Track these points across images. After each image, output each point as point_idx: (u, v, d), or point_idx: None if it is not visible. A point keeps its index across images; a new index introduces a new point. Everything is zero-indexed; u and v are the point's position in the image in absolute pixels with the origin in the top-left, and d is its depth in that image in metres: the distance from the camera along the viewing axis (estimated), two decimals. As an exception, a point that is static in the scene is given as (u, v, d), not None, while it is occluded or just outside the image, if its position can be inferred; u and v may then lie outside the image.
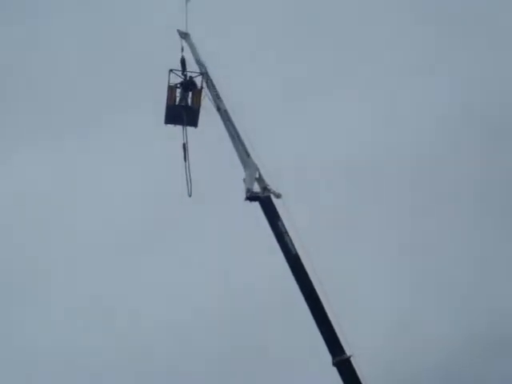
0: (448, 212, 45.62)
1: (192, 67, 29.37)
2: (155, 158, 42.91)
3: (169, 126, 29.08)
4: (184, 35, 30.36)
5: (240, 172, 26.60)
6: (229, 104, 27.76)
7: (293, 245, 25.18)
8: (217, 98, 28.14)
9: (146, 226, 46.67)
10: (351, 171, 46.63)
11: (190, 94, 28.73)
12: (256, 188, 26.25)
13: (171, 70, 28.97)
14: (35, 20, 56.25)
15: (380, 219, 45.64)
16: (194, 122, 28.87)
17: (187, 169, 28.40)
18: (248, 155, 26.85)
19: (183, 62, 29.45)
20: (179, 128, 28.79)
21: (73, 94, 53.78)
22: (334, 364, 23.90)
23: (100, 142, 50.53)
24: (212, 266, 43.15)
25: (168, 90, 28.77)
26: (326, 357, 23.83)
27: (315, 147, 47.64)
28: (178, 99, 28.74)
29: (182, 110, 28.59)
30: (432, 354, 38.95)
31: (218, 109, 27.94)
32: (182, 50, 29.90)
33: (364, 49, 53.40)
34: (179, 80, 28.97)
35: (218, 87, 28.36)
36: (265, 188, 26.20)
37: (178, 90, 28.82)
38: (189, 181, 28.17)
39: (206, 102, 28.46)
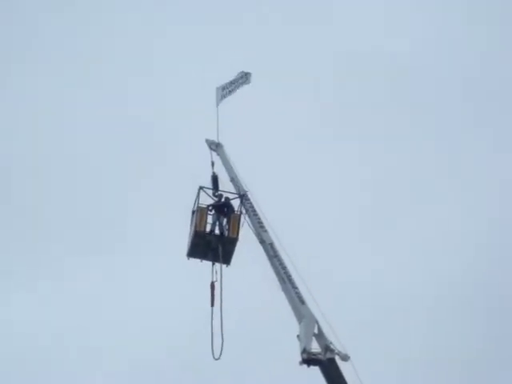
0: None
1: (225, 186, 23.82)
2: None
3: (193, 260, 23.09)
4: (215, 146, 24.97)
5: (293, 326, 20.67)
6: (275, 236, 22.01)
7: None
8: (259, 227, 22.36)
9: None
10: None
11: (226, 220, 22.86)
12: (315, 348, 20.25)
13: (201, 188, 23.19)
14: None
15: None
16: (226, 258, 22.68)
17: (213, 319, 21.85)
18: (303, 302, 20.81)
19: (215, 179, 23.88)
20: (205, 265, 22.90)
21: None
22: None
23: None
24: None
25: (196, 213, 22.82)
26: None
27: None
28: (208, 226, 22.87)
29: (214, 239, 22.62)
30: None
31: (262, 241, 21.91)
32: (213, 164, 24.45)
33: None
34: (210, 201, 23.23)
35: (260, 213, 22.72)
36: (327, 347, 19.89)
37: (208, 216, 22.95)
38: (213, 337, 21.54)
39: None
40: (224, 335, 21.40)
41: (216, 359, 21.37)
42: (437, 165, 49.64)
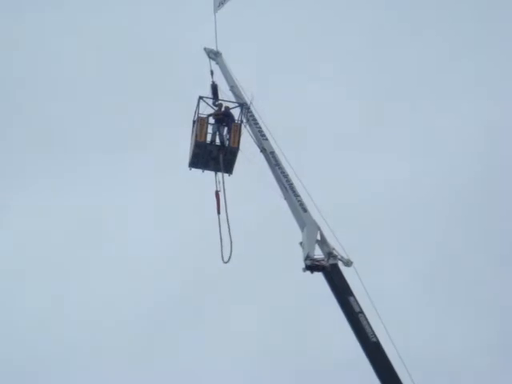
0: None
1: (225, 95, 23.55)
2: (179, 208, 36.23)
3: (195, 170, 23.12)
4: (214, 55, 24.51)
5: (296, 232, 20.89)
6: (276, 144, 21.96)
7: (371, 328, 19.43)
8: (260, 135, 22.27)
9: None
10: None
11: (226, 129, 22.73)
12: (318, 254, 20.52)
13: (201, 98, 22.86)
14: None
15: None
16: (228, 167, 22.68)
17: (221, 226, 22.15)
18: (305, 210, 20.95)
19: (215, 88, 23.45)
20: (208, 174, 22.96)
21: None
22: None
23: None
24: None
25: (196, 123, 22.58)
26: None
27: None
28: (209, 136, 22.79)
29: (215, 149, 22.47)
30: None
31: (263, 150, 21.98)
32: (212, 73, 24.02)
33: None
34: (211, 111, 23.04)
35: (261, 122, 22.58)
36: (330, 253, 20.16)
37: (209, 126, 22.77)
38: (222, 241, 21.90)
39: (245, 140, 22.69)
40: (239, 240, 21.75)
41: (225, 262, 21.70)
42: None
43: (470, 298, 39.00)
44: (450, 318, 38.13)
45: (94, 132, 47.65)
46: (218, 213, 22.37)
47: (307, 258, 20.06)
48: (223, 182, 22.46)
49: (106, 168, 45.74)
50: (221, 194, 22.55)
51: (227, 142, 22.44)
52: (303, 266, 20.01)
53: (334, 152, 41.26)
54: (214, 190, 22.59)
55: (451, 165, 44.10)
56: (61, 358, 37.78)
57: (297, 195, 21.14)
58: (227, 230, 21.86)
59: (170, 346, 37.81)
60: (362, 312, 19.48)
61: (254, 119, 22.50)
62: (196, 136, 22.51)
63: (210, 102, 23.21)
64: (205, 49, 24.73)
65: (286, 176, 21.38)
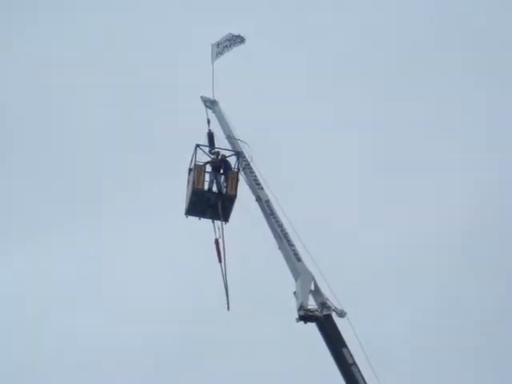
0: None
1: (221, 143, 23.78)
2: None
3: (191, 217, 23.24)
4: (211, 103, 24.81)
5: (290, 283, 20.85)
6: (272, 193, 22.11)
7: (364, 380, 19.33)
8: (255, 184, 22.43)
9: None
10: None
11: (223, 177, 22.83)
12: (312, 304, 20.43)
13: (198, 146, 23.17)
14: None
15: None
16: (225, 215, 22.81)
17: (224, 273, 22.36)
18: (299, 260, 20.95)
19: (211, 136, 23.81)
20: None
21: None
22: None
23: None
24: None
25: (194, 171, 22.76)
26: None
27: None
28: (206, 184, 22.83)
29: (213, 196, 22.61)
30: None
31: (258, 199, 22.13)
32: (209, 122, 24.35)
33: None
34: (207, 158, 23.22)
35: (256, 171, 22.76)
36: (323, 304, 20.14)
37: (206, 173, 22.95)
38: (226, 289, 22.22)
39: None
40: (236, 287, 22.16)
41: (228, 309, 21.95)
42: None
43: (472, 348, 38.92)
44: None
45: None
46: (220, 261, 22.56)
47: (301, 307, 20.08)
48: (222, 230, 22.63)
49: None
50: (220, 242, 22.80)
51: (224, 190, 22.63)
52: (296, 316, 20.14)
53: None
54: (214, 238, 22.77)
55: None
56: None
57: (291, 245, 21.17)
58: (223, 277, 22.10)
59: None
60: (354, 363, 19.47)
61: (250, 167, 22.72)
62: (193, 183, 22.71)
63: (207, 150, 23.51)
64: (201, 97, 25.09)
65: (281, 225, 21.46)
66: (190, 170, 23.21)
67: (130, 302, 41.30)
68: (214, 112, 24.71)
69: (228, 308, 21.87)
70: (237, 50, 24.88)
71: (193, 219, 23.24)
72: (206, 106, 24.86)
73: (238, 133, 23.81)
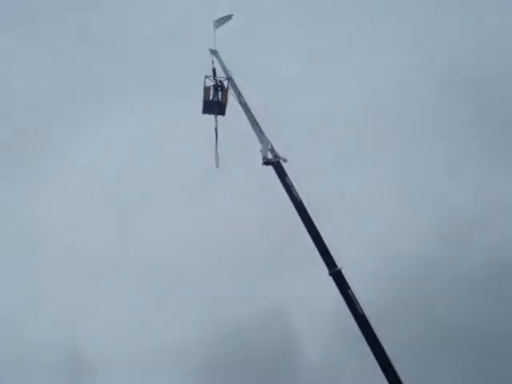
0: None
1: (220, 74, 41.20)
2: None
3: (205, 115, 40.84)
4: (214, 52, 42.04)
5: (257, 145, 38.14)
6: (249, 100, 39.53)
7: (297, 194, 36.12)
8: (239, 94, 39.75)
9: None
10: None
11: (220, 92, 40.42)
12: (269, 156, 37.47)
13: (206, 76, 40.81)
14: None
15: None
16: (222, 112, 40.47)
17: (217, 146, 39.86)
18: (263, 133, 38.22)
19: (214, 70, 41.23)
20: (212, 117, 40.59)
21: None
22: (330, 274, 34.54)
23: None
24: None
25: (204, 90, 40.55)
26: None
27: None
28: (211, 96, 40.41)
29: (214, 104, 40.31)
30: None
31: (240, 102, 39.47)
32: (213, 62, 41.64)
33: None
34: (212, 83, 40.78)
35: (239, 87, 40.10)
36: (276, 156, 37.20)
37: (211, 91, 40.60)
38: (217, 155, 39.62)
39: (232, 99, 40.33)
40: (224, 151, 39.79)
41: (217, 167, 39.50)
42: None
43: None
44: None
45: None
46: (216, 139, 40.12)
47: (264, 158, 37.34)
48: (217, 122, 40.37)
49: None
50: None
51: (221, 99, 40.39)
52: (261, 162, 37.41)
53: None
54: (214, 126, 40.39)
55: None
56: None
57: (259, 125, 38.28)
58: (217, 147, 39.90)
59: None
60: (292, 186, 36.11)
61: (236, 86, 40.08)
62: (204, 97, 40.31)
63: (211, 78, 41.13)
64: (209, 49, 42.23)
65: (253, 115, 38.56)
66: (204, 88, 40.66)
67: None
68: (216, 57, 41.95)
69: (217, 166, 39.57)
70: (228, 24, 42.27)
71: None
72: (211, 54, 42.08)
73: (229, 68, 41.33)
